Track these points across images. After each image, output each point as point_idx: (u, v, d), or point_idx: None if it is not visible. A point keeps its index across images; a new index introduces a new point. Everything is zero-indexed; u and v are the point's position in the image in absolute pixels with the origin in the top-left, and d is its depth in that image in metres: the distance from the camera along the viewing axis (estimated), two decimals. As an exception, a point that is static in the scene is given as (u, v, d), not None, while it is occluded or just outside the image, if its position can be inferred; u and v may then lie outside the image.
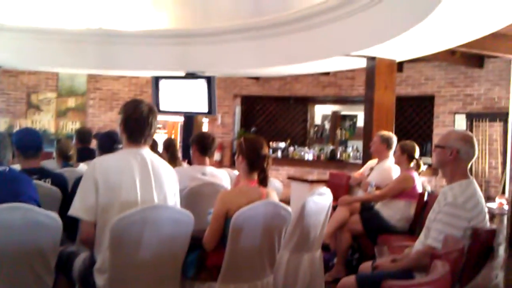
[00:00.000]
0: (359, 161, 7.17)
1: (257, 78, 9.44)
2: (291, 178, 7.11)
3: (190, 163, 5.51)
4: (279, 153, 9.10)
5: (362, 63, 6.35)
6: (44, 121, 9.15)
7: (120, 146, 3.33)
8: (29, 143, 3.32)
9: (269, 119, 10.04)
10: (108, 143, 3.48)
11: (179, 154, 8.27)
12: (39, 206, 2.55)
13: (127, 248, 2.31)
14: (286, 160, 9.02)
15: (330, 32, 6.16)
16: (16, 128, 8.74)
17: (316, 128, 10.00)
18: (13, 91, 9.03)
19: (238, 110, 10.11)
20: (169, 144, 5.03)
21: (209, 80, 7.63)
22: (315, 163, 8.81)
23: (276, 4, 6.83)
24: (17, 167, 3.28)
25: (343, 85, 8.93)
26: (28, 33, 7.90)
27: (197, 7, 7.80)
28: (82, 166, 4.31)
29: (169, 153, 4.82)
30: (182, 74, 8.07)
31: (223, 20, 7.51)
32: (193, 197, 3.44)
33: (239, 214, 2.49)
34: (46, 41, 7.98)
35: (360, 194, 5.07)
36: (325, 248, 4.12)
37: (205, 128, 9.67)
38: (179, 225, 2.44)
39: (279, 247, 2.77)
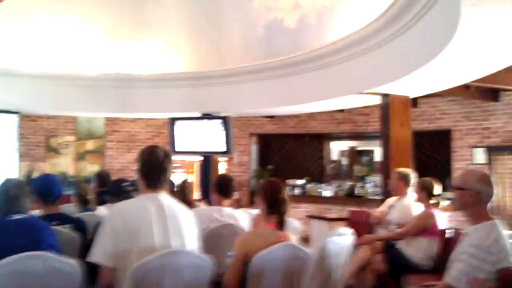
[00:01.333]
0: (379, 197, 7.10)
1: (272, 117, 9.52)
2: (310, 216, 7.04)
3: (209, 202, 5.51)
4: (297, 190, 9.05)
5: (376, 100, 6.37)
6: (63, 164, 9.28)
7: (128, 184, 3.38)
8: (49, 190, 3.39)
9: (286, 156, 10.05)
10: (116, 186, 3.54)
11: (197, 193, 8.32)
12: (59, 253, 2.57)
13: (147, 294, 2.30)
14: (304, 197, 8.97)
15: (344, 70, 6.23)
16: (36, 172, 8.87)
17: (333, 164, 9.96)
18: (32, 135, 9.20)
19: (254, 148, 10.15)
20: (183, 187, 5.04)
21: (225, 120, 7.72)
22: (333, 199, 8.74)
23: (288, 46, 6.98)
24: (37, 213, 3.33)
25: (358, 121, 8.94)
26: (46, 79, 8.15)
27: (211, 50, 7.99)
28: (101, 210, 4.33)
29: (183, 196, 4.82)
30: (198, 114, 8.18)
31: (237, 62, 7.67)
32: (212, 239, 3.42)
33: (258, 257, 2.47)
34: (64, 86, 8.21)
35: (381, 232, 4.99)
36: (347, 289, 4.04)
37: (222, 167, 9.70)
38: (198, 270, 2.43)
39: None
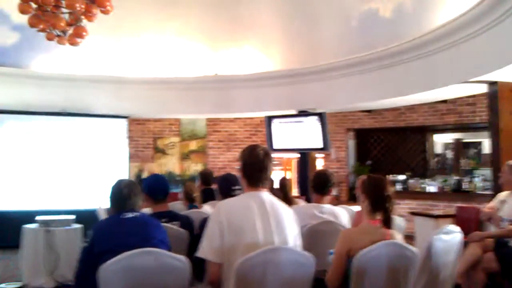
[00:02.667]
0: (488, 192, 6.65)
1: (369, 111, 9.28)
2: (414, 213, 6.78)
3: (308, 199, 5.52)
4: (398, 186, 8.75)
5: (483, 89, 5.97)
6: (169, 164, 9.81)
7: (237, 188, 3.46)
8: (158, 189, 3.56)
9: (385, 151, 9.74)
10: (226, 186, 3.62)
11: (296, 190, 8.37)
12: (170, 249, 2.71)
13: (251, 289, 2.36)
14: (406, 193, 8.63)
15: (446, 59, 5.92)
16: (145, 172, 9.46)
17: (437, 158, 9.49)
18: (141, 137, 9.82)
19: (351, 143, 9.97)
20: (282, 184, 5.09)
21: (321, 116, 7.68)
22: (438, 195, 8.31)
23: (384, 37, 6.76)
24: (147, 211, 3.53)
25: (464, 112, 8.42)
26: (152, 85, 8.68)
27: (304, 47, 7.99)
28: (206, 207, 4.52)
29: (283, 193, 4.86)
30: (294, 112, 8.22)
31: (331, 57, 7.60)
32: (312, 236, 3.43)
33: (362, 255, 2.44)
34: (168, 90, 8.70)
35: (491, 229, 4.67)
36: (457, 289, 3.84)
37: (319, 163, 9.65)
38: (300, 266, 2.44)
39: (407, 289, 2.65)
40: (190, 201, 4.68)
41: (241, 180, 2.71)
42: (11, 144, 8.24)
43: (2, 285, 5.52)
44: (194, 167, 9.75)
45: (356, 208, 3.87)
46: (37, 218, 5.73)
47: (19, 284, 5.54)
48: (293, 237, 2.62)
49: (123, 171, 8.69)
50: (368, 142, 9.94)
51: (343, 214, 3.77)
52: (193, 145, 9.94)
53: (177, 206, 4.66)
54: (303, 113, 8.06)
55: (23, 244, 5.60)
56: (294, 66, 8.08)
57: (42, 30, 5.32)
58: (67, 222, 5.76)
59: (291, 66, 8.13)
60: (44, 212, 6.21)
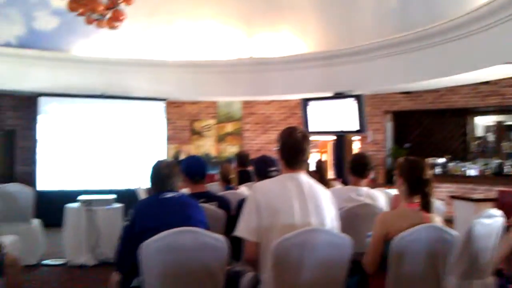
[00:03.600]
0: (532, 176, 6.46)
1: (408, 92, 9.09)
2: (454, 197, 6.65)
3: (344, 182, 5.49)
4: (437, 169, 8.58)
5: (529, 69, 5.76)
6: (206, 146, 9.93)
7: (273, 169, 3.47)
8: (196, 170, 3.62)
9: (424, 134, 9.55)
10: (262, 168, 3.63)
11: (332, 173, 8.33)
12: (208, 228, 2.76)
13: (288, 269, 2.38)
14: (446, 176, 8.46)
15: (488, 39, 5.72)
16: (183, 153, 9.60)
17: (478, 141, 9.24)
18: (178, 120, 9.95)
19: (389, 126, 9.82)
20: (319, 166, 5.07)
21: (358, 98, 7.58)
22: (479, 179, 8.11)
23: (424, 16, 6.58)
24: (185, 191, 3.60)
25: (507, 94, 8.15)
26: (188, 68, 8.75)
27: (341, 28, 7.87)
28: (243, 189, 4.57)
29: (319, 176, 4.85)
30: (330, 94, 8.14)
31: (369, 38, 7.45)
32: (349, 219, 3.41)
33: (401, 238, 2.42)
34: (204, 73, 8.75)
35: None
36: (498, 273, 3.76)
37: (356, 146, 9.56)
38: (337, 248, 2.45)
39: (445, 273, 2.61)
40: (227, 183, 4.74)
41: (279, 161, 2.72)
42: (54, 127, 8.49)
43: (47, 261, 5.75)
44: (230, 149, 9.84)
45: (393, 191, 3.83)
46: (79, 197, 5.91)
47: (62, 261, 5.75)
48: (330, 219, 2.62)
49: (161, 153, 8.85)
50: (406, 125, 9.76)
51: (380, 197, 3.74)
52: (229, 127, 10.01)
53: (214, 187, 4.72)
54: (340, 95, 7.98)
55: (66, 223, 5.80)
56: (331, 48, 7.98)
57: (81, 14, 5.42)
58: (108, 202, 5.92)
59: (328, 48, 8.03)
60: (86, 192, 6.41)
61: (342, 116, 7.83)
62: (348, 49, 7.75)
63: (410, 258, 2.45)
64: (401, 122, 9.78)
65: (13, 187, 5.70)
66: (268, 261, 2.42)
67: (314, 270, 2.39)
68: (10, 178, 8.38)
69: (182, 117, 9.97)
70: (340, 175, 7.72)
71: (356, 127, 7.65)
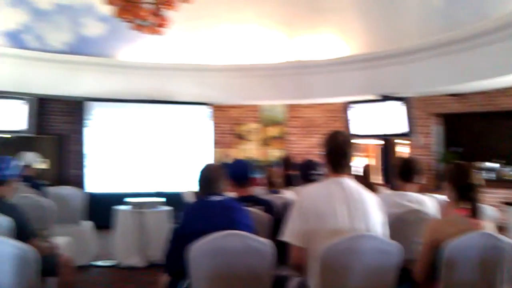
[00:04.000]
0: None
1: (457, 94, 8.83)
2: (508, 203, 6.40)
3: (391, 187, 5.40)
4: (490, 174, 8.27)
5: None
6: (250, 150, 9.98)
7: (317, 173, 3.46)
8: (242, 173, 3.65)
9: (475, 137, 9.21)
10: (306, 171, 3.63)
11: (379, 178, 8.19)
12: (254, 232, 2.78)
13: (336, 275, 2.37)
14: (499, 182, 8.13)
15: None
16: (228, 157, 9.69)
17: (532, 145, 8.85)
18: (223, 123, 10.05)
19: (438, 129, 9.56)
20: (365, 171, 5.02)
21: (406, 101, 7.43)
22: (535, 185, 7.78)
23: (472, 15, 6.38)
24: (232, 195, 3.63)
25: None
26: (232, 72, 8.85)
27: (385, 29, 7.76)
28: (287, 192, 4.57)
29: (365, 180, 4.79)
30: (374, 97, 8.02)
31: (414, 38, 7.30)
32: (396, 225, 3.34)
33: (451, 245, 2.36)
34: (248, 77, 8.82)
35: None
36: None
37: (403, 150, 9.37)
38: (385, 255, 2.41)
39: (499, 282, 2.52)
40: (272, 186, 4.75)
41: (325, 166, 2.71)
42: (102, 131, 8.76)
43: (97, 262, 5.93)
44: (274, 153, 9.85)
45: (443, 197, 3.73)
46: (129, 200, 6.07)
47: (112, 262, 5.93)
48: (378, 224, 2.58)
49: (208, 157, 8.97)
50: (455, 128, 9.46)
51: (429, 203, 3.65)
52: (273, 131, 10.02)
53: (259, 191, 4.74)
54: (386, 98, 7.85)
55: (116, 225, 5.97)
56: (374, 49, 7.86)
57: (127, 20, 5.59)
58: (156, 204, 6.06)
59: (371, 50, 7.92)
60: (134, 195, 6.59)
61: (389, 119, 7.70)
62: (392, 50, 7.61)
63: (462, 266, 2.38)
64: (450, 125, 9.49)
65: (65, 190, 5.92)
66: (315, 266, 2.42)
67: (362, 276, 2.37)
68: (62, 181, 8.71)
69: (226, 121, 10.07)
70: (387, 180, 7.59)
71: (404, 130, 7.50)
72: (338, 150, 2.61)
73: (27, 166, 5.31)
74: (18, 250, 2.48)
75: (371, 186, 4.50)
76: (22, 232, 3.10)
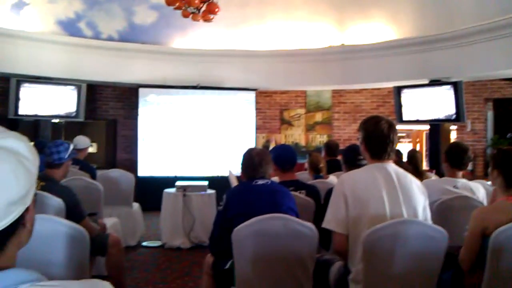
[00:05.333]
0: None
1: (511, 79, 8.46)
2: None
3: (439, 173, 5.27)
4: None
5: None
6: (295, 135, 9.96)
7: (363, 158, 3.41)
8: (286, 158, 3.64)
9: (530, 123, 8.86)
10: (352, 157, 3.58)
11: (425, 165, 8.01)
12: (298, 216, 2.79)
13: (379, 261, 2.35)
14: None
15: None
16: (272, 142, 9.72)
17: None
18: (268, 109, 10.06)
19: (490, 115, 9.22)
20: (412, 156, 4.90)
21: (456, 85, 7.19)
22: None
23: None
24: (275, 179, 3.64)
25: None
26: (278, 57, 8.81)
27: (438, 11, 7.48)
28: (332, 178, 4.55)
29: (412, 165, 4.68)
30: (425, 81, 7.79)
31: (468, 21, 7.01)
32: (444, 211, 3.28)
33: (500, 233, 2.28)
34: (294, 62, 8.76)
35: None
36: None
37: (453, 136, 9.10)
38: (431, 241, 2.36)
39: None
40: (316, 172, 4.73)
41: (363, 152, 2.66)
42: (152, 116, 8.96)
43: (145, 243, 6.11)
44: (319, 139, 9.79)
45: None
46: (176, 183, 6.21)
47: (159, 243, 6.09)
48: (421, 209, 2.53)
49: (250, 142, 9.02)
50: (509, 113, 9.10)
51: (479, 190, 3.54)
52: (319, 116, 9.95)
53: (303, 176, 4.74)
54: (435, 82, 7.61)
55: (163, 207, 6.13)
56: (426, 33, 7.62)
57: (178, 8, 5.66)
58: (201, 188, 6.17)
59: (423, 33, 7.68)
60: (181, 178, 6.73)
61: (438, 104, 7.47)
62: (445, 33, 7.35)
63: (509, 254, 2.30)
64: (503, 110, 9.13)
65: (116, 173, 6.09)
66: (357, 252, 2.40)
67: (406, 262, 2.34)
68: (112, 164, 9.00)
69: (272, 107, 10.07)
70: (435, 166, 7.39)
71: (454, 115, 7.27)
72: (381, 137, 2.54)
73: (78, 150, 5.49)
74: (70, 230, 2.56)
75: (419, 172, 4.41)
76: (73, 213, 3.22)
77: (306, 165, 4.98)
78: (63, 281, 0.93)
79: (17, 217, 0.90)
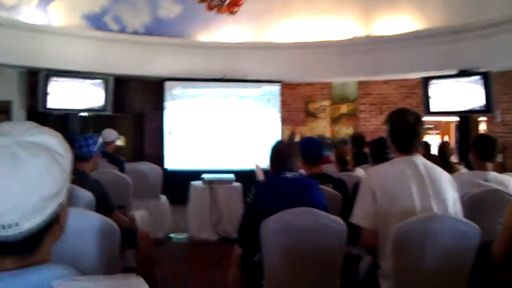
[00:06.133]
0: None
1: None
2: None
3: (468, 166, 5.17)
4: None
5: None
6: (320, 127, 9.89)
7: (390, 152, 3.36)
8: (312, 151, 3.63)
9: None
10: (380, 150, 3.53)
11: (455, 157, 7.86)
12: (327, 210, 2.76)
13: (409, 256, 2.32)
14: None
15: None
16: (297, 135, 9.68)
17: None
18: (292, 101, 10.01)
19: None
20: (442, 149, 4.82)
21: (485, 76, 7.03)
22: None
23: None
24: (302, 172, 3.62)
25: None
26: (303, 49, 8.75)
27: (467, 1, 7.30)
28: (359, 171, 4.50)
29: (442, 159, 4.61)
30: (454, 72, 7.63)
31: (497, 10, 6.83)
32: (474, 205, 3.20)
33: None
34: (319, 54, 8.69)
35: None
36: None
37: (482, 127, 8.90)
38: (463, 237, 2.32)
39: None
40: (343, 164, 4.70)
41: (390, 145, 2.63)
42: (178, 109, 9.02)
43: (172, 235, 6.18)
44: (345, 131, 9.70)
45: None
46: (202, 176, 6.25)
47: (186, 235, 6.16)
48: (452, 203, 2.49)
49: (275, 134, 9.01)
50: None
51: (511, 183, 3.45)
52: (344, 108, 9.85)
53: (329, 169, 4.70)
54: (464, 73, 7.45)
55: (190, 200, 6.18)
56: (454, 22, 7.45)
57: (203, 1, 5.67)
58: (228, 181, 6.20)
59: (451, 22, 7.51)
60: (208, 172, 6.76)
61: (467, 95, 7.32)
62: (475, 23, 7.17)
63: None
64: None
65: (144, 166, 6.15)
66: (387, 247, 2.38)
67: (436, 258, 2.30)
68: (140, 157, 9.11)
69: (297, 99, 10.01)
70: (464, 159, 7.25)
71: (483, 107, 7.11)
72: (409, 129, 2.51)
73: (107, 143, 5.56)
74: (100, 223, 2.59)
75: (449, 165, 4.34)
76: (103, 206, 3.26)
77: (332, 158, 4.95)
78: (96, 276, 0.95)
79: (51, 213, 0.91)
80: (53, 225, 0.93)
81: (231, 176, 6.32)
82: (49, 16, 7.91)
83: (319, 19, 8.78)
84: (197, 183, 6.23)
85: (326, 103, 9.92)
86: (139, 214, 4.89)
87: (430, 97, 7.81)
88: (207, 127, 9.03)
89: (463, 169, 4.65)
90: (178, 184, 6.93)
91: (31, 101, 8.20)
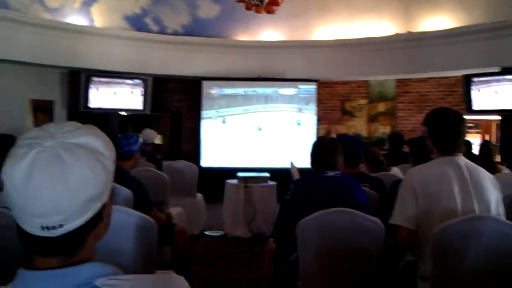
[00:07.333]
0: None
1: None
2: None
3: (510, 166, 5.00)
4: None
5: None
6: (357, 126, 9.77)
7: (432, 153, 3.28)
8: (352, 150, 3.55)
9: None
10: (421, 150, 3.45)
11: (497, 157, 7.62)
12: (369, 210, 2.71)
13: (450, 258, 2.26)
14: None
15: None
16: (333, 134, 9.58)
17: None
18: (329, 100, 9.92)
19: None
20: (485, 148, 4.67)
21: (531, 73, 6.77)
22: None
23: None
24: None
25: None
26: (340, 47, 8.66)
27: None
28: (395, 170, 4.42)
29: (485, 159, 4.47)
30: (497, 69, 7.39)
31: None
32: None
33: None
34: (356, 52, 8.57)
35: None
36: None
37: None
38: (507, 239, 2.24)
39: None
40: (376, 165, 4.61)
41: (430, 147, 2.56)
42: (215, 108, 9.08)
43: (207, 232, 6.24)
44: (382, 130, 9.54)
45: None
46: (238, 174, 6.28)
47: (220, 232, 6.21)
48: (494, 205, 2.42)
49: (311, 133, 8.95)
50: None
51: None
52: (381, 107, 9.69)
53: (364, 168, 4.63)
54: (508, 70, 7.20)
55: (225, 198, 6.23)
56: (497, 18, 7.21)
57: (242, 1, 5.69)
58: (263, 179, 6.21)
59: (494, 19, 7.27)
60: (243, 170, 6.79)
61: (511, 93, 7.07)
62: (518, 19, 6.93)
63: None
64: None
65: (181, 164, 6.23)
66: (426, 248, 2.33)
67: (479, 261, 2.23)
68: (177, 155, 9.23)
69: (333, 97, 9.92)
70: (507, 159, 7.02)
71: (528, 105, 6.86)
72: (450, 129, 2.46)
73: (147, 144, 5.66)
74: (138, 220, 2.63)
75: (492, 165, 4.21)
76: (142, 203, 3.32)
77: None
78: (138, 275, 0.95)
79: (95, 213, 0.92)
80: (97, 223, 0.94)
81: (266, 174, 6.33)
82: (91, 17, 8.11)
83: (356, 17, 8.66)
84: (232, 181, 6.27)
85: (363, 101, 9.79)
86: (175, 211, 4.96)
87: (471, 95, 7.59)
88: (243, 126, 9.05)
89: (505, 170, 4.50)
90: (214, 182, 6.99)
91: (72, 101, 8.43)
